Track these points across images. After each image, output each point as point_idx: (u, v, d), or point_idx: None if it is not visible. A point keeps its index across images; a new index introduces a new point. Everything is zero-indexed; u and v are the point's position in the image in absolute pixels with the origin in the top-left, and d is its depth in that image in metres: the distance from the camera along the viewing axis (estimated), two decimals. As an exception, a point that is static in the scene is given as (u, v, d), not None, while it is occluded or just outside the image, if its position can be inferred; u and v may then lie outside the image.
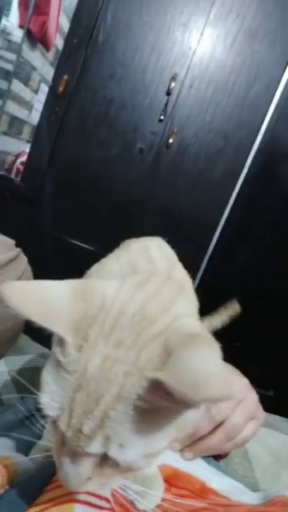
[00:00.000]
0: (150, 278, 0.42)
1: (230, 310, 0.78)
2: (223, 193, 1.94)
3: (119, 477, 0.36)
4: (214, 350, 0.32)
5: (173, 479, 0.44)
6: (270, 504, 0.44)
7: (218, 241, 1.98)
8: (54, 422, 0.34)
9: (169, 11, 1.78)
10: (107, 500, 0.37)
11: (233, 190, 1.93)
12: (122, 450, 0.31)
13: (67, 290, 0.36)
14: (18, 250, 0.92)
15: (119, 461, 0.32)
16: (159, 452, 0.34)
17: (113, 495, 0.38)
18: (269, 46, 1.83)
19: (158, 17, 1.78)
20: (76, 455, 0.33)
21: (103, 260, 0.52)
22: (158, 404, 0.31)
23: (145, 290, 0.39)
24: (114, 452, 0.31)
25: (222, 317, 0.78)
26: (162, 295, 0.39)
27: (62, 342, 0.34)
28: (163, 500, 0.40)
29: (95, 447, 0.31)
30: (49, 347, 0.37)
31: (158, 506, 0.39)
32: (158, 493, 0.41)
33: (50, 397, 0.33)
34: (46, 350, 0.93)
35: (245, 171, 1.91)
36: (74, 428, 0.32)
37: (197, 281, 1.96)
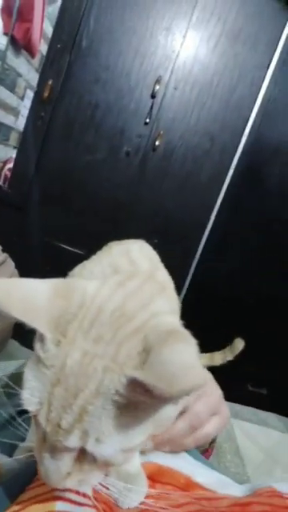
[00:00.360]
0: (132, 278, 0.42)
1: (234, 349, 0.79)
2: (210, 195, 1.96)
3: (99, 473, 0.36)
4: (191, 346, 0.33)
5: (157, 476, 0.44)
6: (256, 495, 0.44)
7: (206, 243, 1.99)
8: (35, 418, 0.34)
9: (151, 16, 1.80)
10: (87, 496, 0.37)
11: (219, 192, 1.95)
12: (99, 444, 0.32)
13: (48, 288, 0.36)
14: (5, 255, 0.93)
15: (96, 455, 0.32)
16: (137, 447, 0.34)
17: (96, 492, 0.38)
18: (251, 48, 1.85)
19: (141, 21, 1.80)
20: (55, 450, 0.33)
21: (85, 262, 0.52)
22: (136, 399, 0.32)
23: (125, 288, 0.40)
24: (91, 446, 0.32)
25: (224, 354, 0.79)
26: (142, 293, 0.40)
27: (42, 338, 0.34)
28: (147, 497, 0.40)
29: (73, 441, 0.32)
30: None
31: (142, 503, 0.40)
32: (141, 489, 0.41)
33: (30, 392, 0.33)
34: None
35: (230, 173, 1.93)
36: (52, 422, 0.32)
37: (186, 283, 1.97)
